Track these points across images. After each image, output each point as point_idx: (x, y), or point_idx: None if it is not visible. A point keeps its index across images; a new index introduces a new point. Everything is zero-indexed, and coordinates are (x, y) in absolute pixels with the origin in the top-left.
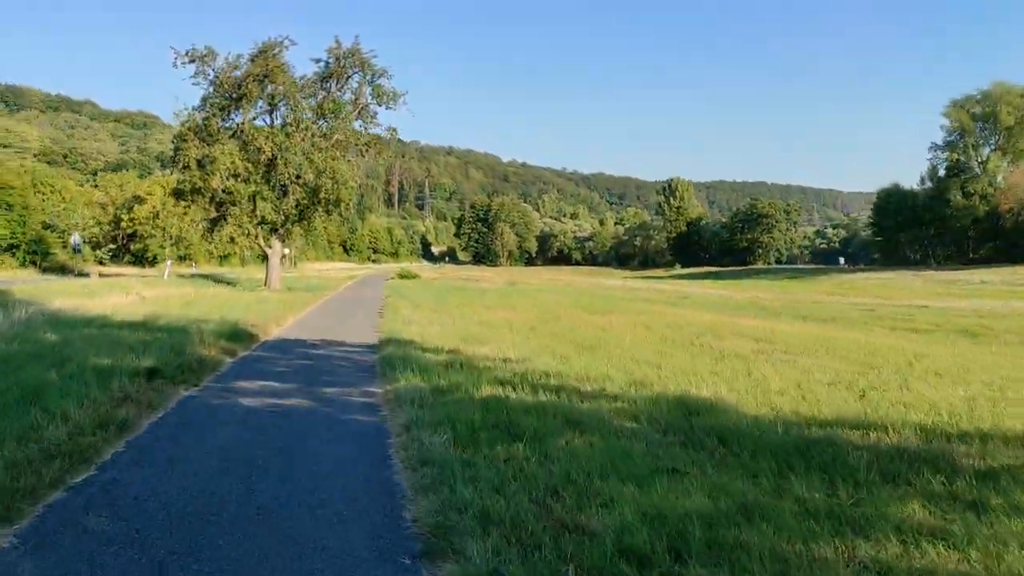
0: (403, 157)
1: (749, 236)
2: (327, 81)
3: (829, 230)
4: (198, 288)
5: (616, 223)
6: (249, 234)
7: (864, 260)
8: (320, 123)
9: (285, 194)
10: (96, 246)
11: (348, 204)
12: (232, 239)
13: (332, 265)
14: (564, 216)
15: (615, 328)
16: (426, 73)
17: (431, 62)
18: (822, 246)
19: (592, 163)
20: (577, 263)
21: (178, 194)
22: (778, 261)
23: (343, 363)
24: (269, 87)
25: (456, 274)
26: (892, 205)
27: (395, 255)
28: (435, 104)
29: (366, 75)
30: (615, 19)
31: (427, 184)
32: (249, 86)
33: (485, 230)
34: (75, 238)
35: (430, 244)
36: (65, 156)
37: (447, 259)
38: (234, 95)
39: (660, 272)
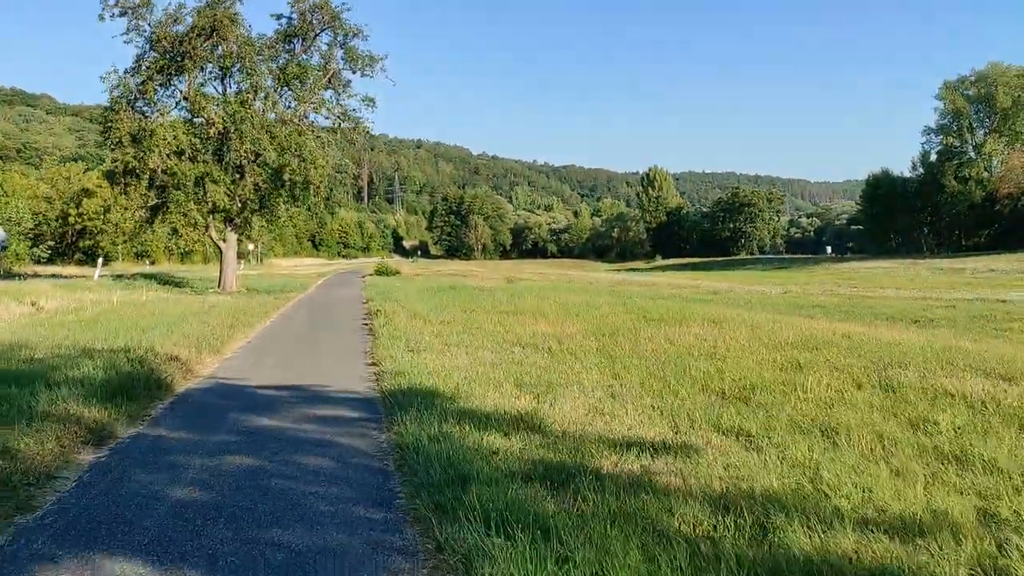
0: (372, 150)
1: (731, 226)
2: (291, 41)
3: (803, 219)
4: (131, 293)
5: (592, 215)
6: (196, 225)
7: (842, 249)
8: (283, 91)
9: (241, 176)
10: (36, 243)
11: (319, 187)
12: (175, 230)
13: (300, 261)
14: (538, 208)
15: (721, 348)
16: (394, 63)
17: (398, 52)
18: (796, 235)
19: (562, 155)
20: (552, 256)
21: (110, 177)
22: (760, 251)
23: (322, 464)
24: (220, 47)
25: (438, 269)
26: (882, 191)
27: (366, 250)
28: (403, 96)
29: (337, 35)
30: (583, 13)
31: (397, 177)
32: (193, 42)
33: (458, 223)
34: None
35: (402, 238)
36: (18, 151)
37: (419, 253)
38: (176, 55)
39: (640, 264)
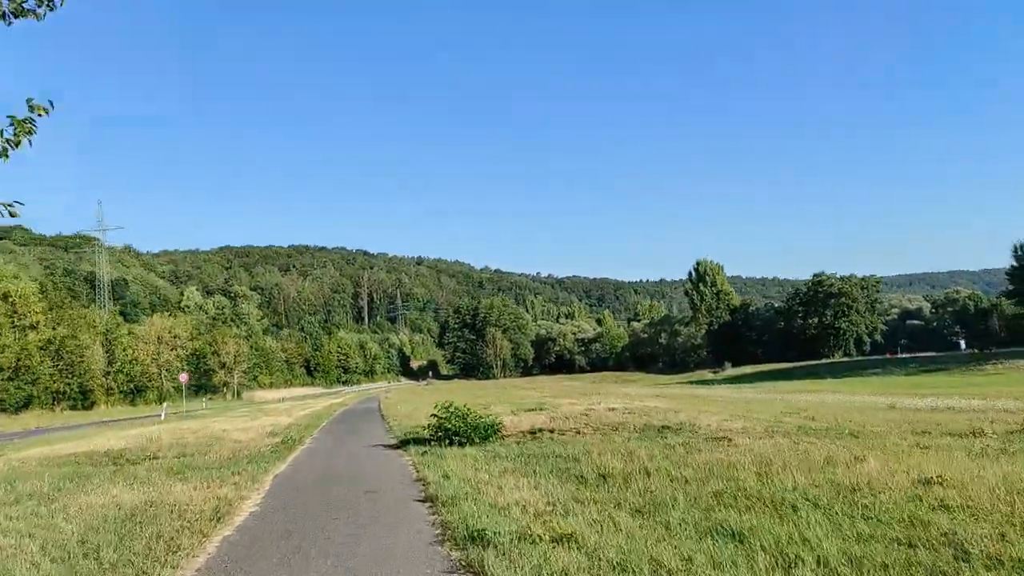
0: (371, 268)
1: (815, 321)
2: None
3: None
4: None
5: (631, 319)
6: None
7: (937, 346)
8: None
9: None
10: None
11: None
12: None
13: (288, 392)
14: (560, 317)
15: None
16: (398, 187)
17: (402, 175)
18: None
19: (565, 266)
20: (581, 368)
21: None
22: (859, 350)
23: None
24: None
25: (540, 393)
26: None
27: (371, 374)
28: (403, 215)
29: None
30: (570, 120)
31: (399, 295)
32: None
33: (473, 337)
34: None
35: (409, 358)
36: None
37: (431, 374)
38: None
39: (706, 374)
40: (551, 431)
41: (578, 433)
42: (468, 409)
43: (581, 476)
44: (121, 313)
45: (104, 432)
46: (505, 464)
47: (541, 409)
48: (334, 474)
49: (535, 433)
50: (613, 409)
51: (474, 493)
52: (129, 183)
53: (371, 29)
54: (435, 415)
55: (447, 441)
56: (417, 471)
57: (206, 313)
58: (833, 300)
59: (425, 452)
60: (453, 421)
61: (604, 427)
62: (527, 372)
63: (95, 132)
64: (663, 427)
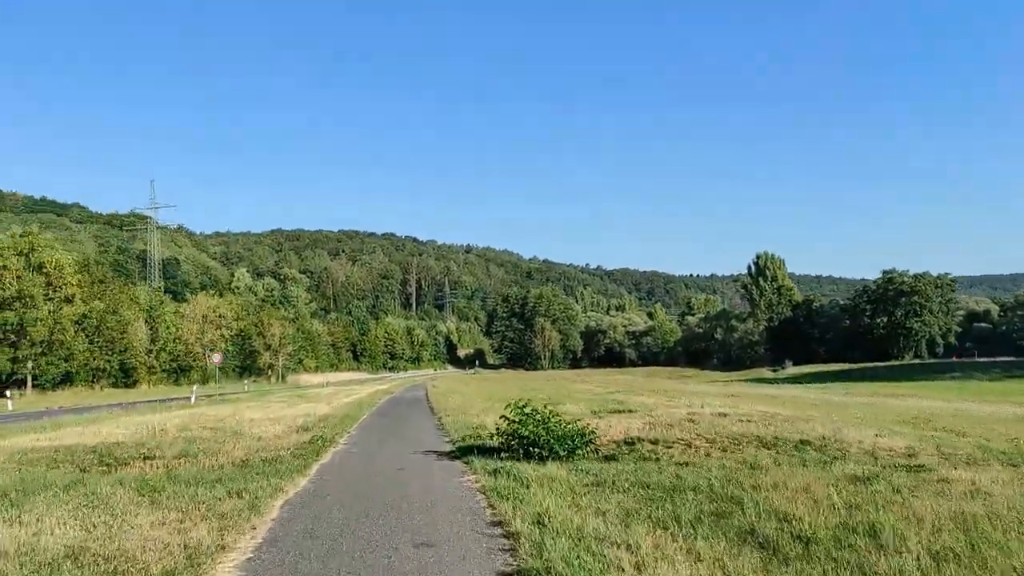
0: (420, 255)
1: (886, 321)
2: None
3: None
4: None
5: (683, 313)
6: None
7: (1007, 350)
8: None
9: None
10: None
11: None
12: None
13: (334, 376)
14: (610, 310)
15: None
16: (441, 173)
17: (447, 163)
18: None
19: (614, 258)
20: (632, 362)
21: None
22: (931, 353)
23: None
24: None
25: (602, 388)
26: None
27: (417, 361)
28: (451, 203)
29: None
30: (621, 113)
31: (447, 282)
32: None
33: (521, 327)
34: None
35: (455, 346)
36: None
37: (477, 363)
38: None
39: (765, 372)
40: (652, 442)
41: (689, 446)
42: (550, 412)
43: (759, 534)
44: (170, 291)
45: (118, 417)
46: (621, 499)
47: (630, 411)
48: (369, 503)
49: (632, 444)
50: (724, 415)
51: (599, 569)
52: (185, 165)
53: (426, 26)
54: (506, 417)
55: (521, 452)
56: (491, 505)
57: (255, 295)
58: (904, 299)
59: (496, 471)
60: (530, 427)
61: (722, 439)
62: (575, 364)
63: (155, 113)
64: (802, 442)
